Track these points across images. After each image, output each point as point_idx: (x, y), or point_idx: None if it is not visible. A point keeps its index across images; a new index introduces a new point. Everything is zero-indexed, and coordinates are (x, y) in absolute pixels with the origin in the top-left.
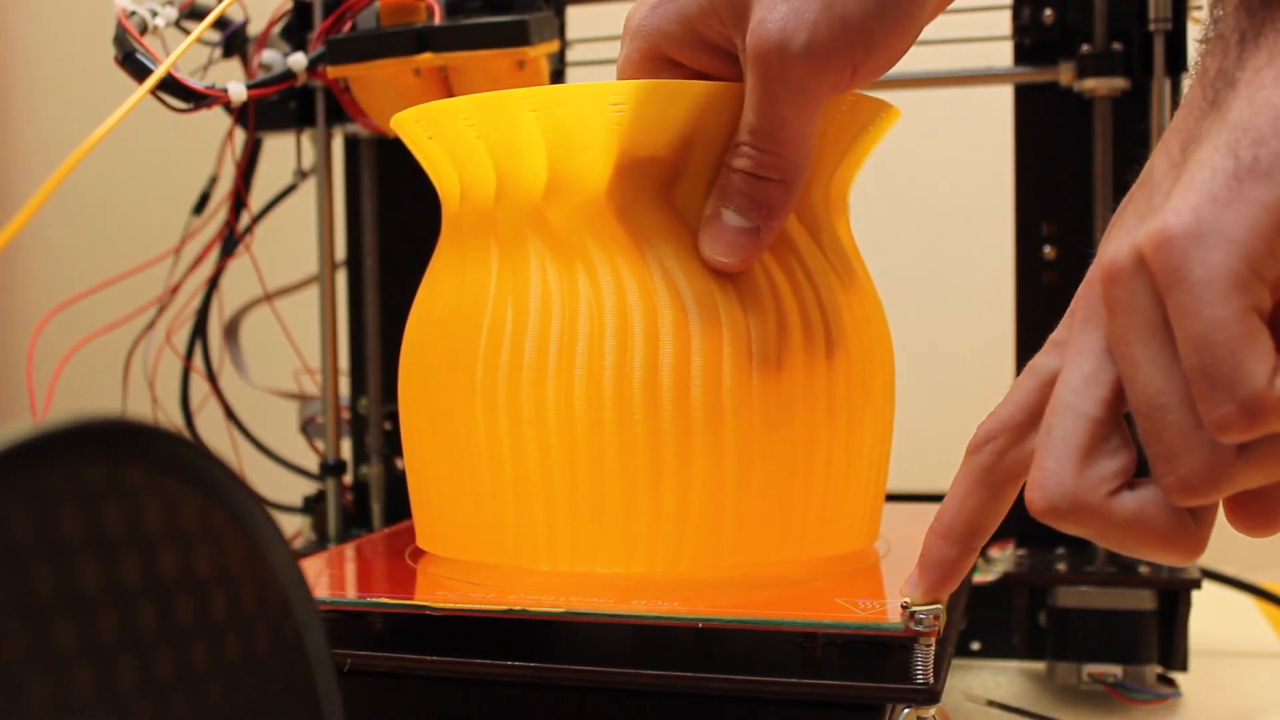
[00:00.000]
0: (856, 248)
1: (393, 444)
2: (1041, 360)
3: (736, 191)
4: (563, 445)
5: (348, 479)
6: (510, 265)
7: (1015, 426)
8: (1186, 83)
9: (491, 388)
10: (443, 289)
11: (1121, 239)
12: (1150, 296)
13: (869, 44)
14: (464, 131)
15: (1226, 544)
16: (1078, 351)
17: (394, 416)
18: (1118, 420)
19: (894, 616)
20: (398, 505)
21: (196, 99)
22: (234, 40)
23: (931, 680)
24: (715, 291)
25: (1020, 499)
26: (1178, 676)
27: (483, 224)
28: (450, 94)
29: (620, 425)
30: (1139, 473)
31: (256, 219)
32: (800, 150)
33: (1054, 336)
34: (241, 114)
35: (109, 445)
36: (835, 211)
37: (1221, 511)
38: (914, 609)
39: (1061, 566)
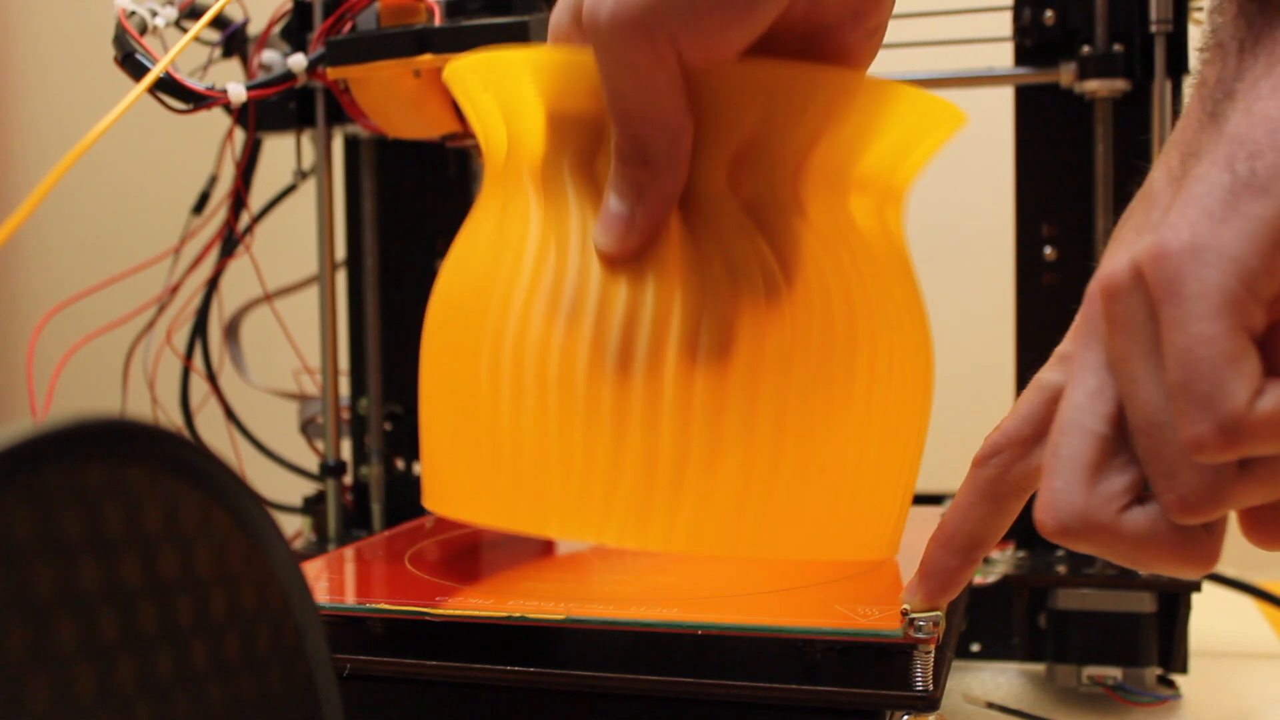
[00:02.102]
0: (891, 237)
1: (393, 444)
2: (1047, 374)
3: (613, 173)
4: (590, 408)
5: (348, 479)
6: (554, 215)
7: (1021, 440)
8: (1188, 85)
9: (522, 339)
10: (481, 240)
11: (1120, 253)
12: (1148, 312)
13: (686, 15)
14: (523, 86)
15: (1226, 544)
16: (1081, 368)
17: (394, 417)
18: (1125, 435)
19: (893, 623)
20: (398, 506)
21: (196, 99)
22: (234, 40)
23: (931, 687)
24: (741, 256)
25: (1025, 508)
26: (1178, 678)
27: (528, 178)
28: (450, 96)
29: (648, 392)
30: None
31: (256, 219)
32: (654, 129)
33: (1059, 350)
34: (241, 114)
35: (109, 445)
36: (819, 209)
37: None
38: (913, 616)
39: (1061, 569)
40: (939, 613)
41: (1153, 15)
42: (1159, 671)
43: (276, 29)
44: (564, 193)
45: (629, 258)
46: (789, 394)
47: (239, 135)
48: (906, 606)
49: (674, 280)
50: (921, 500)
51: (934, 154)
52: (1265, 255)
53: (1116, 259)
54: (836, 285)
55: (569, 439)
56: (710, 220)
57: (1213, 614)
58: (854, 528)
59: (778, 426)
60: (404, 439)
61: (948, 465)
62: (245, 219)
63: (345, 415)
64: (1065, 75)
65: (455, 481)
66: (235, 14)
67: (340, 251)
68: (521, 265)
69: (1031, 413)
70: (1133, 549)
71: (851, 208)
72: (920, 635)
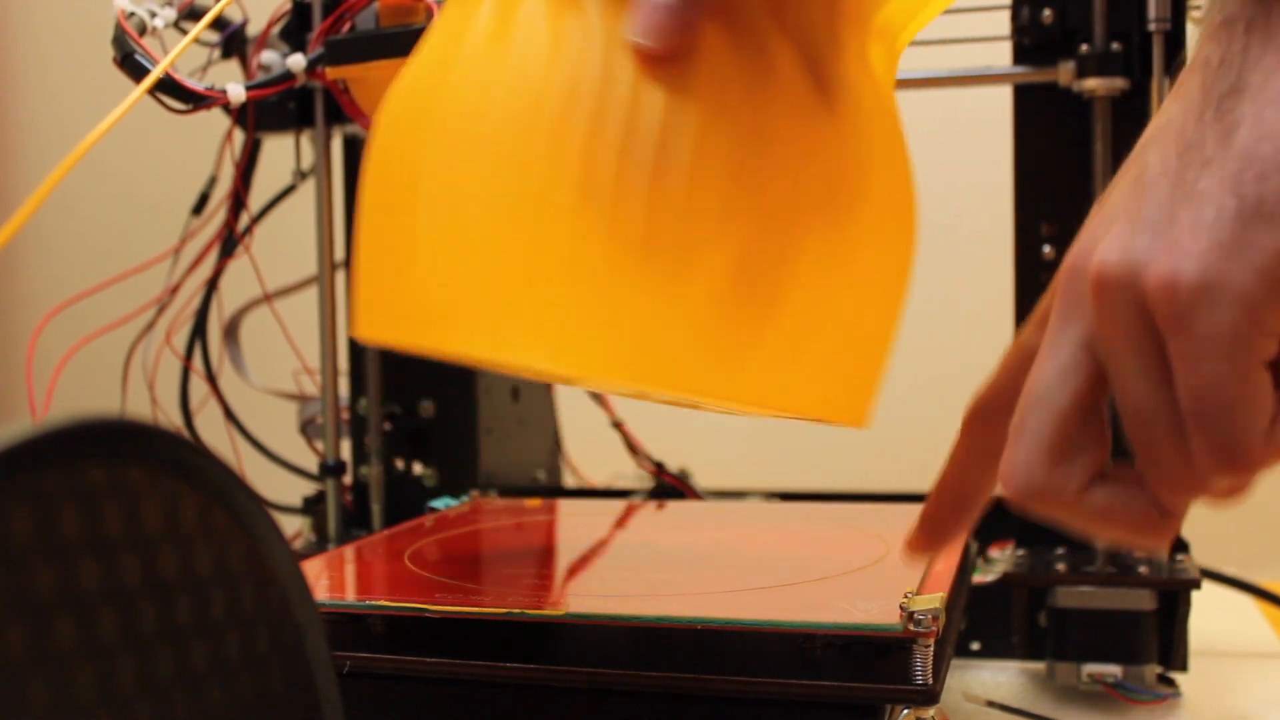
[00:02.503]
0: (885, 100)
1: (392, 444)
2: (1028, 335)
3: None
4: (508, 208)
5: (347, 479)
6: (571, 16)
7: (1005, 402)
8: None
9: (443, 135)
10: (467, 44)
11: (1113, 244)
12: (1144, 317)
13: None
14: None
15: (1226, 544)
16: (1055, 341)
17: (394, 417)
18: (1091, 414)
19: (893, 618)
20: (397, 506)
21: (195, 100)
22: (233, 41)
23: (930, 681)
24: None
25: None
26: (1177, 676)
27: None
28: None
29: (684, 210)
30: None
31: (256, 219)
32: None
33: (1039, 309)
34: (241, 115)
35: (109, 445)
36: (846, 45)
37: (1219, 512)
38: (913, 610)
39: (1061, 567)
40: (938, 606)
41: (1151, 14)
42: (1159, 669)
43: (275, 29)
44: None
45: (668, 55)
46: (819, 229)
47: (238, 136)
48: (905, 602)
49: (717, 95)
50: (922, 499)
51: (932, 19)
52: (1274, 288)
53: (1107, 247)
54: (864, 127)
55: (587, 259)
56: (750, 39)
57: (1213, 613)
58: (844, 385)
59: (809, 264)
60: (403, 439)
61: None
62: (245, 219)
63: (345, 415)
64: (1064, 74)
65: (426, 300)
66: (234, 14)
67: (340, 251)
68: (529, 69)
69: (1013, 373)
70: (1090, 523)
71: (871, 55)
72: (920, 629)
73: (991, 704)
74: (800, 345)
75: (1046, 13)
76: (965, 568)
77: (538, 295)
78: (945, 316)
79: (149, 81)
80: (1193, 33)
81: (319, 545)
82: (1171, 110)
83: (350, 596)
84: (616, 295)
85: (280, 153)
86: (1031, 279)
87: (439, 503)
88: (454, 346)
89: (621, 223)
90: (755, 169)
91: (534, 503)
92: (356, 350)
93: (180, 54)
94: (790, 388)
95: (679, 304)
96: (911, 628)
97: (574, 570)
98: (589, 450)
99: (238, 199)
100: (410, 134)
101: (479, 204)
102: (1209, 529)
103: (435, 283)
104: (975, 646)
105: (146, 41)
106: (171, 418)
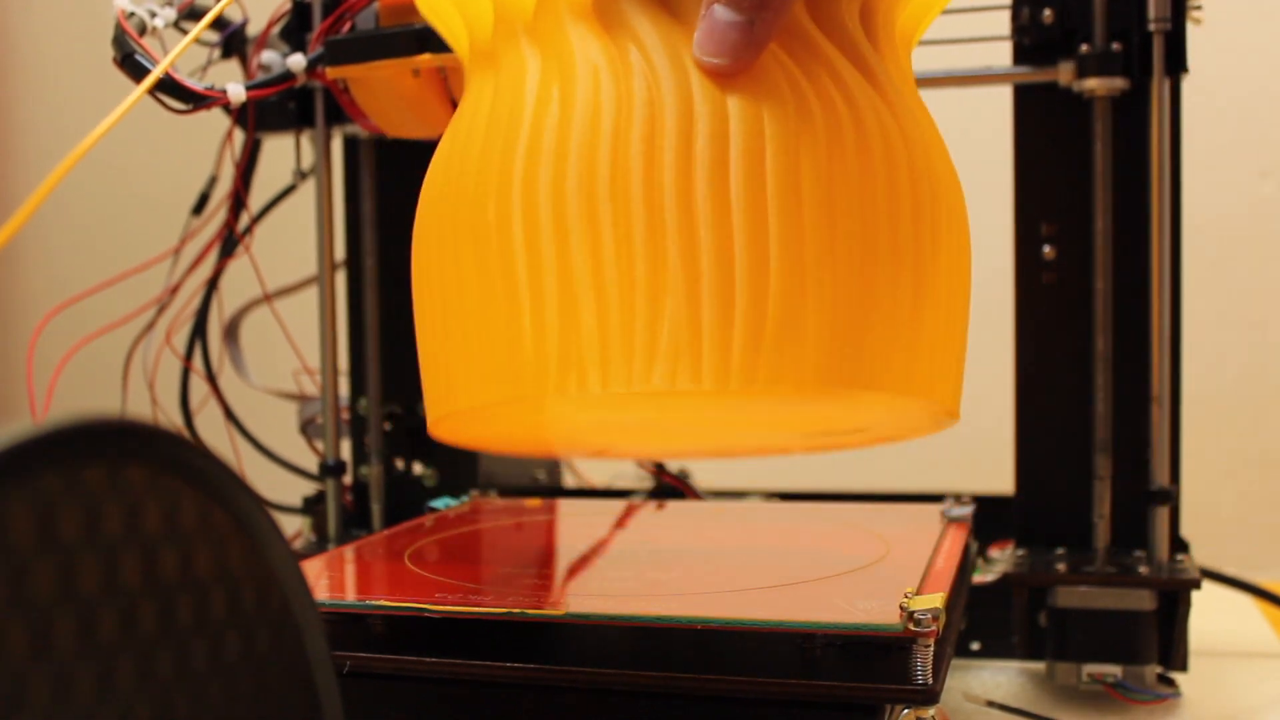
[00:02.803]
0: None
1: (392, 444)
2: None
3: None
4: (619, 238)
5: (347, 479)
6: (622, 44)
7: None
8: (1186, 83)
9: (533, 183)
10: (476, 111)
11: None
12: None
13: None
14: None
15: (1226, 544)
16: None
17: (394, 417)
18: None
19: (893, 617)
20: (397, 506)
21: (195, 100)
22: (233, 41)
23: (931, 681)
24: (784, 74)
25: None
26: (1178, 676)
27: (570, 17)
28: (450, 95)
29: (683, 214)
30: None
31: (256, 219)
32: None
33: None
34: (241, 115)
35: (109, 445)
36: (883, 45)
37: (1219, 512)
38: (913, 609)
39: (1061, 567)
40: (939, 606)
41: (1151, 14)
42: (1159, 670)
43: (276, 29)
44: (624, 20)
45: (741, 72)
46: (916, 219)
47: (238, 135)
48: (905, 602)
49: (795, 100)
50: (923, 499)
51: (928, 26)
52: None
53: None
54: (924, 121)
55: (601, 277)
56: (804, 48)
57: (1213, 613)
58: (930, 374)
59: (827, 250)
60: (404, 439)
61: (949, 465)
62: (245, 219)
63: (345, 415)
64: (1064, 74)
65: (478, 365)
66: (234, 14)
67: (340, 251)
68: (603, 107)
69: None
70: None
71: (901, 58)
72: (920, 629)
73: (991, 704)
74: (925, 333)
75: (1046, 13)
76: (965, 568)
77: (663, 322)
78: None
79: (149, 81)
80: (1193, 32)
81: (319, 545)
82: None
83: (350, 596)
84: (748, 306)
85: (280, 153)
86: (1031, 279)
87: (439, 503)
88: (593, 384)
89: (723, 237)
90: (844, 159)
91: (534, 503)
92: (357, 350)
93: (180, 54)
94: (929, 375)
95: (812, 303)
96: (911, 627)
97: (574, 570)
98: None
99: (238, 199)
100: (490, 197)
101: (589, 249)
102: (1209, 529)
103: (562, 331)
104: (975, 646)
105: (146, 41)
106: (171, 418)
